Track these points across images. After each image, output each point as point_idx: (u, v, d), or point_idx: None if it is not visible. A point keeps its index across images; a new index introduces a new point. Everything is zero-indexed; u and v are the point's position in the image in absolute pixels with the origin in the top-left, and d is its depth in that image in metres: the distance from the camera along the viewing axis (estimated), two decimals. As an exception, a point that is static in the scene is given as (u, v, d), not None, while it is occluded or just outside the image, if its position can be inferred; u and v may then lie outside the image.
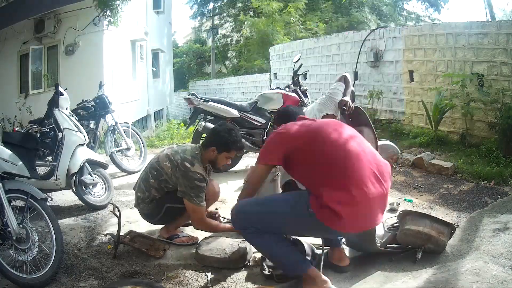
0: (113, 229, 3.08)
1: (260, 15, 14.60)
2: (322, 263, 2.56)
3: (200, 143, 3.03)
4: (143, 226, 3.33)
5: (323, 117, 3.56)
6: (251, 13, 18.06)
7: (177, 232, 3.09)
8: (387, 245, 2.70)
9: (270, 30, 13.32)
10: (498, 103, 4.90)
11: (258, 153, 5.23)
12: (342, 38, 8.18)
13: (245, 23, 19.25)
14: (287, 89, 5.36)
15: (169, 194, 2.83)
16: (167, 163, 2.81)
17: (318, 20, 14.33)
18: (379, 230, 2.88)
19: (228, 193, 4.14)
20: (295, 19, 13.90)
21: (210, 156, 2.85)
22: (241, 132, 4.83)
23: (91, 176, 3.80)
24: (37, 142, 3.68)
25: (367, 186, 2.08)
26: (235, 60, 22.15)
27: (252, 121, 4.94)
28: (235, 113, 4.88)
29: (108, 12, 6.70)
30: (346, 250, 2.82)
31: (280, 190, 3.20)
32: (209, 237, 2.88)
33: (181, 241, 3.01)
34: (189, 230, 3.22)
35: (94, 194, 3.81)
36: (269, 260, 2.47)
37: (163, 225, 3.09)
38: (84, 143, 3.84)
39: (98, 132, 5.58)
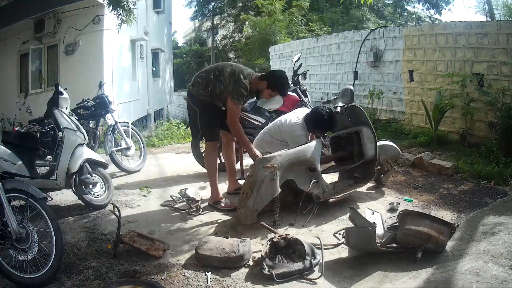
0: (113, 229, 3.08)
1: (263, 14, 14.53)
2: (322, 263, 2.56)
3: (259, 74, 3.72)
4: (143, 226, 3.33)
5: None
6: (251, 12, 18.03)
7: (220, 199, 3.72)
8: (387, 245, 2.70)
9: (272, 30, 13.27)
10: (498, 103, 4.90)
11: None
12: (342, 37, 8.18)
13: (246, 23, 19.23)
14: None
15: (208, 111, 3.61)
16: (228, 68, 3.57)
17: (321, 22, 14.27)
18: (379, 230, 2.88)
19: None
20: (298, 20, 13.85)
21: (259, 85, 3.60)
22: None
23: (91, 176, 3.79)
24: (37, 142, 3.68)
25: None
26: (235, 60, 22.14)
27: (252, 121, 4.93)
28: (235, 112, 4.87)
29: (120, 11, 6.65)
30: (346, 250, 2.82)
31: (279, 190, 3.20)
32: (209, 237, 2.88)
33: (224, 206, 3.64)
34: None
35: (94, 194, 3.81)
36: None
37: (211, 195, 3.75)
38: (84, 143, 3.84)
39: (98, 132, 5.58)
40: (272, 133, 4.01)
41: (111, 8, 6.52)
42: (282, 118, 4.12)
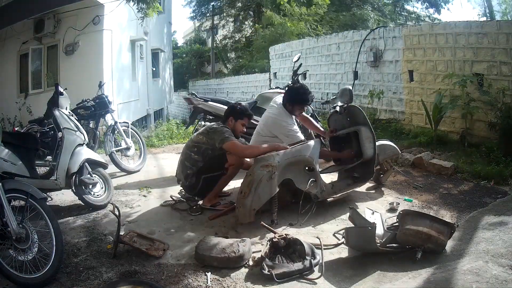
0: (113, 229, 3.08)
1: (271, 12, 14.47)
2: (322, 263, 2.56)
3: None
4: (143, 226, 3.33)
5: None
6: (252, 12, 18.04)
7: (218, 201, 3.70)
8: (387, 245, 2.70)
9: (284, 31, 13.23)
10: (498, 103, 4.90)
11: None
12: (341, 37, 8.18)
13: (246, 23, 19.22)
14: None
15: (203, 167, 3.53)
16: (201, 136, 3.60)
17: (328, 27, 14.25)
18: (379, 230, 2.88)
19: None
20: (310, 24, 13.85)
21: (230, 125, 3.65)
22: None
23: (91, 176, 3.79)
24: (37, 142, 3.68)
25: None
26: (235, 60, 22.13)
27: (252, 121, 4.94)
28: (235, 112, 4.87)
29: (143, 5, 6.70)
30: (346, 250, 2.82)
31: (277, 189, 3.20)
32: (209, 237, 2.89)
33: (223, 207, 3.58)
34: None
35: (93, 194, 3.81)
36: None
37: (206, 197, 3.66)
38: (83, 143, 3.84)
39: (97, 132, 5.58)
40: (262, 133, 4.01)
41: (132, 2, 6.55)
42: (264, 114, 4.14)
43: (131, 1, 6.68)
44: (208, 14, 23.85)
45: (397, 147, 4.28)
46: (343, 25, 14.47)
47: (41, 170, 4.07)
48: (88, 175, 3.77)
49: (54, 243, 2.53)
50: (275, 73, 11.04)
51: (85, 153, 3.80)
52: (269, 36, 14.00)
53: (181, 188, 3.81)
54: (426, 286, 2.31)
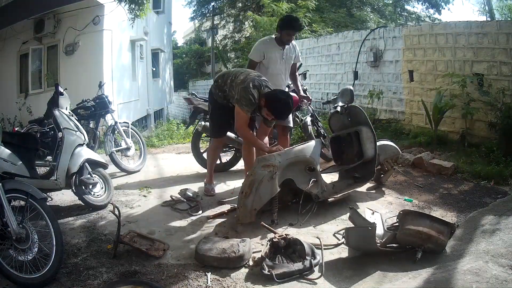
0: (113, 229, 3.08)
1: (267, 13, 14.47)
2: (322, 263, 2.56)
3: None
4: (143, 226, 3.33)
5: None
6: (250, 12, 18.02)
7: (210, 183, 4.06)
8: (387, 245, 2.70)
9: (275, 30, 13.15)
10: (498, 103, 4.90)
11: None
12: (342, 38, 8.18)
13: (246, 23, 19.19)
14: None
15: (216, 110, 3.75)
16: (241, 76, 3.48)
17: (324, 24, 14.22)
18: (379, 230, 2.88)
19: (226, 194, 4.14)
20: (304, 21, 13.82)
21: (261, 101, 3.39)
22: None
23: (91, 176, 3.79)
24: (37, 142, 3.67)
25: None
26: (236, 61, 22.12)
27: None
28: (235, 112, 4.87)
29: (134, 6, 6.74)
30: (346, 250, 2.82)
31: (278, 189, 3.20)
32: (209, 237, 2.89)
33: (205, 191, 4.03)
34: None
35: (94, 194, 3.80)
36: None
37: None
38: (83, 143, 3.84)
39: (98, 132, 5.57)
40: None
41: (123, 3, 6.56)
42: None
43: (122, 1, 6.70)
44: (208, 14, 23.83)
45: (397, 147, 4.28)
46: (342, 25, 14.45)
47: (41, 170, 4.06)
48: (88, 175, 3.76)
49: (54, 243, 2.52)
50: (275, 73, 11.02)
51: (85, 153, 3.80)
52: (260, 37, 13.96)
53: (181, 188, 3.82)
54: (426, 286, 2.31)
